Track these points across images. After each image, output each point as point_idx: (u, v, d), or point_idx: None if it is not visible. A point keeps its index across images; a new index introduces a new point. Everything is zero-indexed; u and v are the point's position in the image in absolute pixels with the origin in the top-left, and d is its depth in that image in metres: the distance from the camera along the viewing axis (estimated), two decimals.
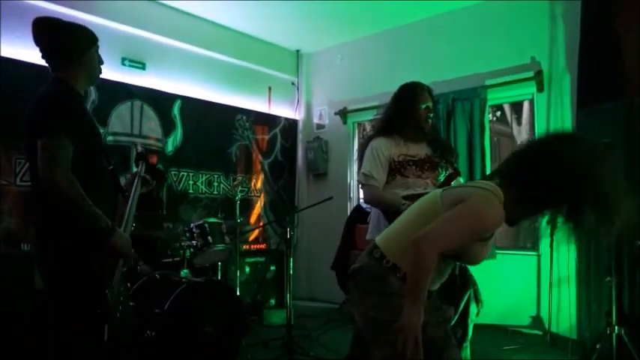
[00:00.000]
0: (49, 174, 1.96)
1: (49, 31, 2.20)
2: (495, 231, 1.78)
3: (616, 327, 3.46)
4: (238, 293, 4.39)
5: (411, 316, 1.61)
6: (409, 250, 1.66)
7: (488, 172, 4.62)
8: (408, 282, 1.66)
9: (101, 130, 4.60)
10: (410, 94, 2.96)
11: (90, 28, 2.29)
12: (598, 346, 3.51)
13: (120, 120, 4.95)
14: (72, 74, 2.20)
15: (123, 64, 5.06)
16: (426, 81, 3.14)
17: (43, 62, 2.23)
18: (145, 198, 2.69)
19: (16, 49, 4.16)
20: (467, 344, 3.08)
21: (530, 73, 4.84)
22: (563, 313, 4.38)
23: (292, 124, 6.90)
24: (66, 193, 1.97)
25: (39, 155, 1.98)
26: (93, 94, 4.64)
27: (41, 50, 2.19)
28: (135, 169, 2.60)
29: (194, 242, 4.11)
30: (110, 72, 4.65)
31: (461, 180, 3.07)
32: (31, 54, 2.23)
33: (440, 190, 1.89)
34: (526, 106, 5.81)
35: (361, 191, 3.13)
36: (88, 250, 2.05)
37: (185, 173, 5.52)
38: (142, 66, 5.22)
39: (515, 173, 1.78)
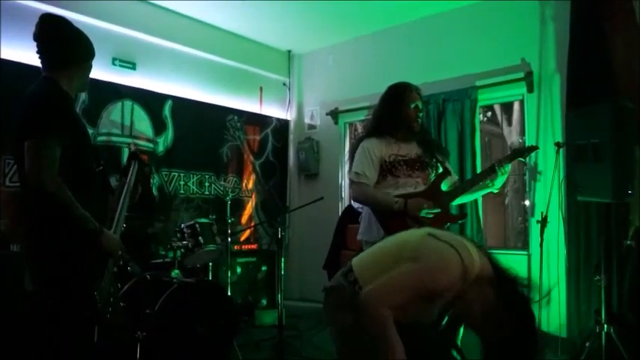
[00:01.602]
0: (36, 175, 1.95)
1: (56, 30, 2.19)
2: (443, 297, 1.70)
3: (605, 325, 3.49)
4: (229, 294, 4.38)
5: None
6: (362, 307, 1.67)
7: (478, 172, 4.64)
8: (374, 339, 1.64)
9: (91, 131, 4.61)
10: (398, 95, 2.98)
11: (80, 27, 2.28)
12: (587, 344, 3.54)
13: (110, 120, 4.92)
14: (66, 77, 2.18)
15: (113, 64, 5.03)
16: (416, 82, 3.15)
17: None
18: (138, 197, 2.67)
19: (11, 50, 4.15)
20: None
21: (521, 74, 4.87)
22: (553, 312, 4.41)
23: (284, 124, 6.89)
24: (53, 195, 1.95)
25: (26, 156, 1.96)
26: (83, 94, 4.61)
27: (41, 46, 2.17)
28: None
29: (185, 243, 4.10)
30: (100, 72, 4.63)
31: (456, 178, 3.09)
32: (29, 56, 2.22)
33: (420, 234, 1.84)
34: (516, 106, 5.84)
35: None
36: (77, 251, 2.04)
37: (176, 174, 5.50)
38: (132, 66, 5.20)
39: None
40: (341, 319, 1.85)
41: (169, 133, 5.46)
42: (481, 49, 5.21)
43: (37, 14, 2.21)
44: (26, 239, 2.13)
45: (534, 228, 4.62)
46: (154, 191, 5.19)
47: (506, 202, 6.47)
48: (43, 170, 1.95)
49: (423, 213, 2.78)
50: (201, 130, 5.74)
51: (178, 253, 4.08)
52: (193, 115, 5.64)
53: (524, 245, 5.06)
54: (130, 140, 5.03)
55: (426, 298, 1.68)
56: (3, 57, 4.13)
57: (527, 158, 4.67)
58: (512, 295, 1.69)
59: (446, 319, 2.57)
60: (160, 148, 5.38)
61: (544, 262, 4.40)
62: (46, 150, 1.97)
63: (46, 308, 2.07)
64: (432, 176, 3.01)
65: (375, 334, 1.62)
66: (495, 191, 3.06)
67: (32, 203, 2.07)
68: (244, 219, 6.28)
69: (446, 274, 1.62)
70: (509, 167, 2.99)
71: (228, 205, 4.63)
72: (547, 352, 4.14)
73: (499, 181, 2.98)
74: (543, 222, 4.26)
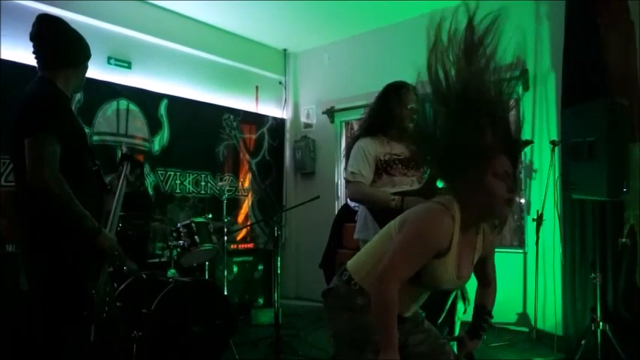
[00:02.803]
0: (37, 173, 1.95)
1: (54, 31, 2.19)
2: (453, 249, 1.71)
3: (600, 323, 3.50)
4: (226, 293, 4.38)
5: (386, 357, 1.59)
6: (372, 275, 1.69)
7: None
8: (375, 326, 1.64)
9: (87, 130, 4.59)
10: (395, 94, 2.97)
11: (75, 26, 2.28)
12: (583, 342, 3.55)
13: (106, 120, 4.91)
14: (62, 78, 2.19)
15: (109, 63, 5.02)
16: (413, 80, 3.14)
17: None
18: (132, 196, 2.67)
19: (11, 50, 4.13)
20: (453, 342, 3.10)
21: (516, 73, 4.86)
22: (549, 310, 4.42)
23: (280, 123, 6.89)
24: (54, 192, 1.96)
25: (26, 154, 1.97)
26: (78, 93, 4.60)
27: (38, 47, 2.17)
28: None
29: (181, 242, 4.10)
30: (96, 71, 4.62)
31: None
32: (28, 56, 2.22)
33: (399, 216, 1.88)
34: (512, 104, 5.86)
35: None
36: (74, 250, 2.04)
37: (172, 173, 5.49)
38: (127, 65, 5.19)
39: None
40: (338, 318, 1.86)
41: (165, 132, 5.45)
42: None
43: (26, 11, 2.21)
44: (23, 238, 2.13)
45: (530, 226, 4.63)
46: (150, 190, 5.18)
47: None
48: (44, 167, 1.95)
49: None
50: (197, 129, 5.73)
51: (174, 252, 4.07)
52: (189, 114, 5.63)
53: (520, 243, 5.08)
54: (125, 140, 5.02)
55: (431, 255, 1.68)
56: (2, 57, 4.11)
57: (523, 156, 4.70)
58: None
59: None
60: (156, 147, 5.37)
61: (540, 260, 4.42)
62: (47, 147, 1.98)
63: (42, 308, 2.07)
64: (427, 175, 3.01)
65: (376, 317, 1.62)
66: None
67: (29, 202, 2.06)
68: (240, 218, 6.28)
69: (439, 225, 1.65)
70: None
71: (225, 204, 4.63)
72: (543, 349, 4.16)
73: None
74: (539, 220, 4.27)
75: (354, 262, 1.90)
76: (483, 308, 2.03)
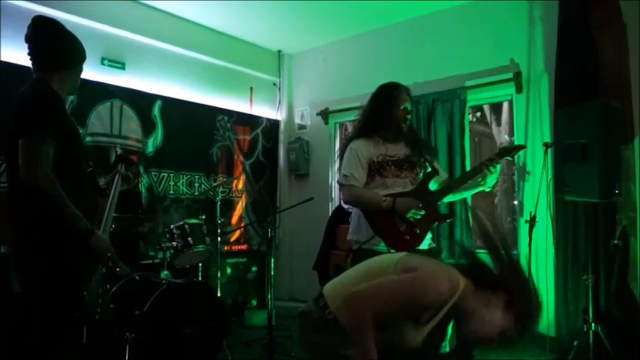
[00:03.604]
0: (30, 173, 1.95)
1: (49, 33, 2.19)
2: (432, 322, 1.69)
3: (593, 324, 3.52)
4: (219, 294, 4.37)
5: None
6: (343, 308, 1.66)
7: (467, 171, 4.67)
8: (350, 343, 1.61)
9: (80, 131, 4.56)
10: (387, 95, 2.98)
11: (68, 27, 2.28)
12: (575, 342, 3.57)
13: (99, 120, 4.89)
14: (57, 79, 2.19)
15: (102, 63, 5.00)
16: (406, 82, 3.16)
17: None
18: (125, 197, 2.67)
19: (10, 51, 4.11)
20: (445, 343, 3.10)
21: (509, 75, 4.91)
22: (542, 311, 4.43)
23: (274, 124, 6.89)
24: (47, 192, 1.95)
25: (20, 154, 1.97)
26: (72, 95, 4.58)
27: (33, 48, 2.17)
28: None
29: (174, 243, 4.09)
30: (89, 72, 4.58)
31: (445, 175, 3.10)
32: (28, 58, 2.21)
33: (400, 255, 1.85)
34: (505, 106, 5.88)
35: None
36: (66, 252, 2.03)
37: (166, 174, 5.48)
38: (121, 66, 5.17)
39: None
40: (311, 342, 1.86)
41: (159, 133, 5.43)
42: (470, 49, 5.23)
43: (20, 12, 2.21)
44: (15, 239, 2.12)
45: (523, 228, 4.65)
46: (143, 192, 5.17)
47: (496, 201, 6.50)
48: (36, 167, 1.95)
49: (411, 214, 2.79)
50: (191, 131, 5.72)
51: (168, 253, 4.06)
52: (183, 116, 5.62)
53: (513, 245, 5.09)
54: (119, 141, 5.00)
55: (412, 312, 1.66)
56: (2, 59, 4.08)
57: (516, 158, 4.71)
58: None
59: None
60: (150, 149, 5.35)
61: (533, 262, 4.43)
62: (40, 147, 1.98)
63: (34, 309, 2.06)
64: (421, 176, 3.02)
65: (351, 337, 1.60)
66: (487, 189, 3.07)
67: (22, 203, 2.06)
68: (234, 219, 6.27)
69: (436, 287, 1.62)
70: (499, 166, 3.00)
71: (218, 206, 4.62)
72: (536, 350, 4.17)
73: (491, 179, 2.99)
74: (532, 222, 4.29)
75: (331, 290, 1.85)
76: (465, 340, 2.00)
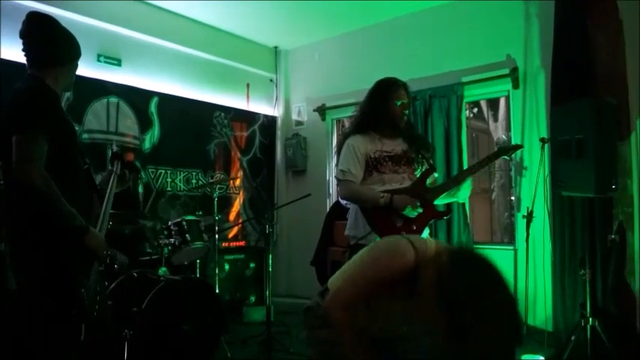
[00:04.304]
0: (23, 171, 1.94)
1: (44, 29, 2.18)
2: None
3: (590, 319, 3.53)
4: (217, 291, 4.37)
5: None
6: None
7: (465, 167, 4.67)
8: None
9: (76, 128, 4.55)
10: (384, 91, 2.98)
11: (64, 23, 2.27)
12: (573, 337, 3.58)
13: (95, 117, 4.88)
14: (52, 76, 2.17)
15: (98, 60, 4.99)
16: (403, 78, 3.15)
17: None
18: (122, 195, 2.66)
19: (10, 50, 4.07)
20: None
21: (506, 71, 4.91)
22: (539, 306, 4.45)
23: (271, 120, 6.88)
24: (40, 190, 1.94)
25: (14, 152, 1.96)
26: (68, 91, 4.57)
27: (28, 45, 2.16)
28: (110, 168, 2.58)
29: (172, 240, 4.09)
30: (85, 68, 4.59)
31: (435, 175, 3.10)
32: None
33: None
34: (502, 102, 5.88)
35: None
36: (62, 249, 2.02)
37: (163, 171, 5.47)
38: (117, 62, 5.16)
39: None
40: (317, 336, 1.85)
41: (156, 129, 5.42)
42: (467, 45, 5.24)
43: (17, 9, 2.20)
44: (11, 237, 2.11)
45: (520, 223, 4.66)
46: (140, 188, 5.16)
47: (493, 197, 6.51)
48: (30, 164, 1.94)
49: (408, 210, 2.79)
50: (188, 127, 5.71)
51: (165, 250, 4.06)
52: (180, 112, 5.61)
53: (511, 240, 5.11)
54: (115, 138, 4.99)
55: (384, 292, 1.62)
56: (2, 57, 4.06)
57: (513, 154, 4.72)
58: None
59: None
60: (147, 145, 5.35)
61: (530, 257, 4.44)
62: (34, 144, 1.96)
63: (31, 307, 2.06)
64: (418, 172, 3.02)
65: (334, 340, 1.61)
66: (460, 202, 3.04)
67: (17, 200, 2.05)
68: (232, 216, 6.27)
69: (395, 257, 1.59)
70: (470, 180, 2.96)
71: (216, 202, 4.62)
72: (534, 345, 4.19)
73: (463, 193, 2.98)
74: (529, 217, 4.30)
75: (337, 282, 1.83)
76: None
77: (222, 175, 6.05)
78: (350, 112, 5.91)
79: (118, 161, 2.55)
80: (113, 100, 5.03)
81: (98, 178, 2.55)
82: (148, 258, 4.38)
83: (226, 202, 6.15)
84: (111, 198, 2.37)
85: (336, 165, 3.04)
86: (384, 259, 1.60)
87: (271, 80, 6.92)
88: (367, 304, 1.65)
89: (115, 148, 3.30)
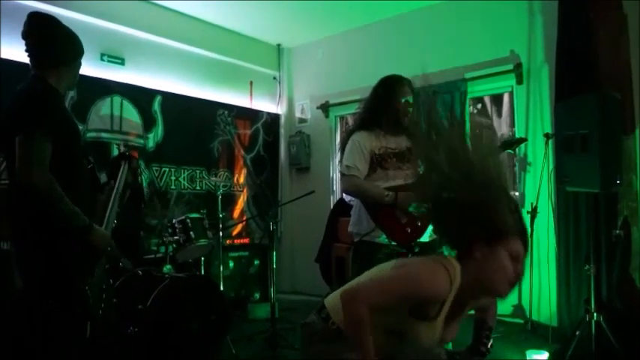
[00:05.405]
0: (26, 171, 1.94)
1: (46, 29, 2.18)
2: (443, 315, 1.65)
3: (595, 314, 3.52)
4: (222, 288, 4.38)
5: None
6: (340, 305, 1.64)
7: None
8: (349, 338, 1.61)
9: (80, 127, 4.57)
10: (389, 88, 2.97)
11: (67, 23, 2.27)
12: (577, 332, 3.57)
13: (99, 116, 4.89)
14: (55, 76, 2.18)
15: (102, 59, 5.00)
16: (406, 74, 3.15)
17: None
18: (129, 193, 2.67)
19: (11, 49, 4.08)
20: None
21: (510, 66, 4.90)
22: (544, 301, 4.45)
23: (274, 118, 6.88)
24: (43, 191, 1.95)
25: (17, 152, 1.96)
26: (72, 91, 4.58)
27: (30, 45, 2.16)
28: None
29: (176, 238, 4.10)
30: (89, 68, 4.59)
31: None
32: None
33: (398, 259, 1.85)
34: (506, 98, 5.86)
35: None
36: (67, 248, 2.03)
37: (167, 169, 5.48)
38: (121, 61, 5.17)
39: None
40: (315, 353, 1.84)
41: (159, 128, 5.43)
42: (470, 41, 5.22)
43: (19, 8, 2.20)
44: (16, 236, 2.12)
45: (525, 218, 4.65)
46: (145, 187, 5.17)
47: None
48: (33, 166, 1.94)
49: (412, 207, 2.78)
50: (192, 125, 5.72)
51: (170, 248, 4.07)
52: (183, 110, 5.62)
53: None
54: (119, 136, 5.01)
55: (412, 307, 1.63)
56: (2, 57, 4.07)
57: (517, 149, 4.71)
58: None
59: None
60: (150, 144, 5.36)
61: (534, 252, 4.44)
62: (37, 145, 1.97)
63: (36, 305, 2.07)
64: (422, 168, 3.01)
65: (349, 334, 1.60)
66: None
67: (21, 200, 2.06)
68: (236, 213, 6.28)
69: (430, 278, 1.59)
70: None
71: (220, 200, 4.63)
72: (539, 340, 4.19)
73: None
74: (533, 212, 4.29)
75: (333, 299, 1.82)
76: (483, 324, 1.97)
77: (225, 173, 6.06)
78: (353, 109, 5.87)
79: (125, 161, 2.55)
80: (117, 99, 5.04)
81: (102, 177, 2.56)
82: (153, 256, 4.39)
83: (230, 200, 6.16)
84: (117, 196, 2.38)
85: (340, 160, 3.03)
86: (426, 284, 1.59)
87: (274, 78, 6.92)
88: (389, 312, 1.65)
89: (122, 149, 3.31)
